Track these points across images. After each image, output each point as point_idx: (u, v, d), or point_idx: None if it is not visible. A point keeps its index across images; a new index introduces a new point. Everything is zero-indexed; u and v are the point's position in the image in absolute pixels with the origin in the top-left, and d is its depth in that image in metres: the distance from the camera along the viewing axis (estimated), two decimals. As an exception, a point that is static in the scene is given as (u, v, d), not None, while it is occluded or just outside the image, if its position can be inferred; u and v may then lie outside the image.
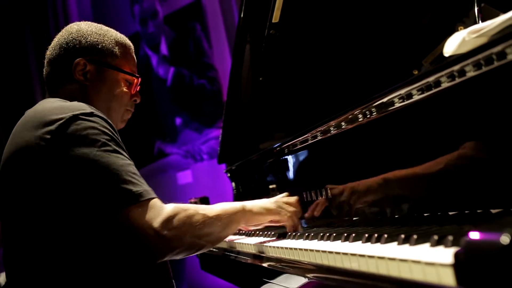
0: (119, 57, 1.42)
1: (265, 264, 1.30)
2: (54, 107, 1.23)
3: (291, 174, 1.72)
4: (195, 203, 2.39)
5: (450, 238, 0.75)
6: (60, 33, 1.41)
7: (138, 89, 1.48)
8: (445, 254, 0.70)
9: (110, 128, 1.20)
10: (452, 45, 0.93)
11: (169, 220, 1.13)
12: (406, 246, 0.86)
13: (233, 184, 2.34)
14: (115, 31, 1.46)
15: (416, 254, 0.75)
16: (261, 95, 2.07)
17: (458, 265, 0.62)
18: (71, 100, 1.29)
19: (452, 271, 0.63)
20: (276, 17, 1.75)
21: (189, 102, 4.44)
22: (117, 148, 1.17)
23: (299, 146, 1.60)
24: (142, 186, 1.16)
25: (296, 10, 1.86)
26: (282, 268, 1.19)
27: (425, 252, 0.76)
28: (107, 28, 1.45)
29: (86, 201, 1.13)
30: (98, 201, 1.12)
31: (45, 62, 1.41)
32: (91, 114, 1.19)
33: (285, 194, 1.51)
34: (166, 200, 1.25)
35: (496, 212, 0.87)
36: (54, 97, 1.35)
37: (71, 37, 1.37)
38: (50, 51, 1.40)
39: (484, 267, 0.55)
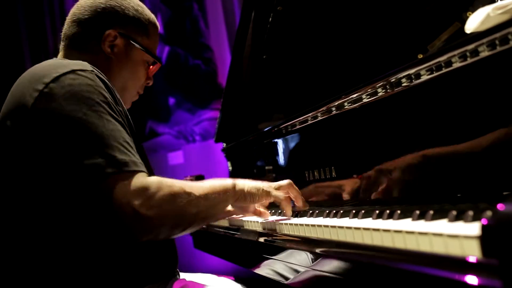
0: (149, 37, 1.39)
1: (271, 241, 1.29)
2: (57, 62, 1.16)
3: (288, 155, 1.71)
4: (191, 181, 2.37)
5: (471, 213, 0.74)
6: None
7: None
8: (467, 228, 0.69)
9: (109, 93, 1.10)
10: (475, 21, 0.91)
11: (150, 197, 1.00)
12: (422, 221, 0.85)
13: (229, 163, 2.32)
14: (147, 9, 1.42)
15: (435, 228, 0.74)
16: (263, 74, 2.05)
17: (487, 237, 0.61)
18: None
19: (478, 243, 0.63)
20: (284, -7, 1.73)
21: (183, 82, 4.38)
22: (111, 112, 1.07)
23: (298, 127, 1.57)
24: (129, 155, 1.03)
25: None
26: (289, 245, 1.17)
27: (444, 226, 0.76)
28: (142, 4, 1.41)
29: (68, 164, 1.02)
30: (80, 165, 1.00)
31: (70, 20, 1.34)
32: (91, 72, 1.10)
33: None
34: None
35: (507, 194, 0.86)
36: (70, 58, 1.27)
37: (109, 4, 1.32)
38: (79, 9, 1.33)
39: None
